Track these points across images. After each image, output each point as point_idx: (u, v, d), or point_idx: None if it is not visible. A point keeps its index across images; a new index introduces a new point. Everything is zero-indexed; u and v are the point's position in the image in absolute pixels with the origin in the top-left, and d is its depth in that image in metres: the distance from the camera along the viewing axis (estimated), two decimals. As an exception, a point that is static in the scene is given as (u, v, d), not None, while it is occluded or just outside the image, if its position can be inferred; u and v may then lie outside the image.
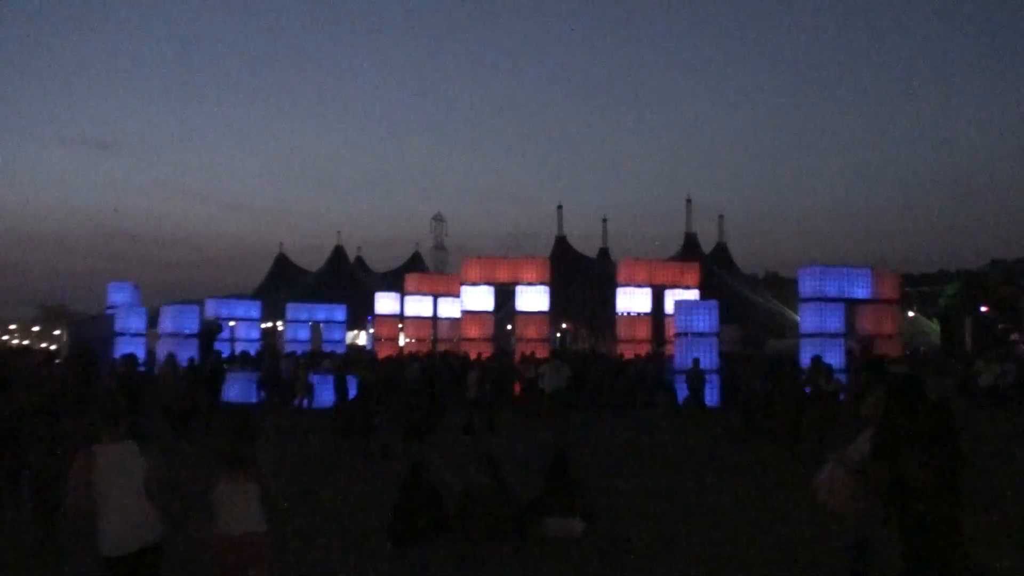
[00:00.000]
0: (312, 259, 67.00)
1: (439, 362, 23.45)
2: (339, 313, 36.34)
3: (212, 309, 32.53)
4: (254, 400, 22.60)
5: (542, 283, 26.34)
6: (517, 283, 26.54)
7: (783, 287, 55.01)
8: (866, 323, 22.85)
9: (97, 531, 4.91)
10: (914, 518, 5.44)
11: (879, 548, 6.42)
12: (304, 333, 35.99)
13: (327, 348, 32.70)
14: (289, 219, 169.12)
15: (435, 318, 31.97)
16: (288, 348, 33.40)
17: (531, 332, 25.92)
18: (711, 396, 21.16)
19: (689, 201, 54.24)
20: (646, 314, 26.73)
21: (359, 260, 65.16)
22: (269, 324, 43.06)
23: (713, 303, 23.41)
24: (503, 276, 26.80)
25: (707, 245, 54.44)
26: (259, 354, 29.24)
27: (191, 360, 20.51)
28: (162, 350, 24.01)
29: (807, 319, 22.15)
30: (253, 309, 35.17)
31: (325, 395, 20.85)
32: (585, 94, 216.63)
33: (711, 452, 14.16)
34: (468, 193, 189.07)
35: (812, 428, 13.34)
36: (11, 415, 8.68)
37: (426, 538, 7.97)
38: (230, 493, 5.14)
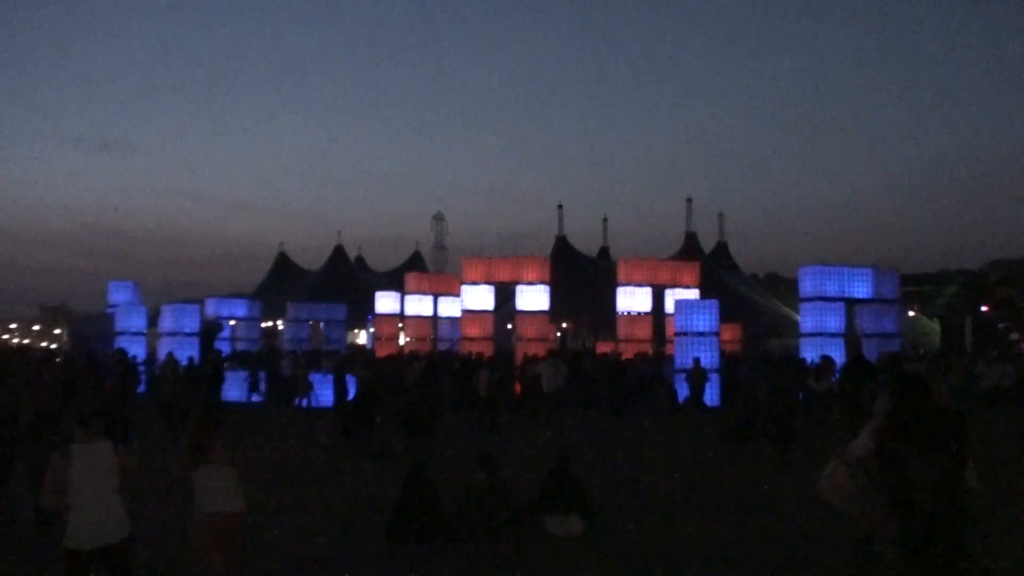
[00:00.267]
0: (312, 258, 67.18)
1: (440, 362, 23.46)
2: (339, 312, 36.36)
3: (212, 308, 32.55)
4: (243, 399, 22.39)
5: (542, 282, 26.33)
6: (517, 282, 26.53)
7: (783, 286, 55.04)
8: (865, 322, 22.84)
9: (66, 525, 5.14)
10: (918, 519, 5.44)
11: (884, 547, 6.40)
12: (304, 332, 36.02)
13: (329, 347, 32.74)
14: (289, 218, 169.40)
15: (435, 317, 31.96)
16: (288, 347, 33.43)
17: (531, 332, 25.92)
18: (711, 395, 21.16)
19: (689, 200, 54.28)
20: (646, 313, 26.73)
21: (359, 259, 65.20)
22: (269, 323, 43.08)
23: (713, 302, 23.41)
24: (503, 275, 26.79)
25: (707, 244, 54.43)
26: (248, 353, 29.16)
27: (191, 359, 20.53)
28: (162, 349, 24.05)
29: (807, 318, 22.14)
30: (253, 308, 35.21)
31: (325, 394, 20.87)
32: (585, 94, 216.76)
33: (711, 451, 14.16)
34: (468, 192, 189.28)
35: (802, 428, 13.33)
36: (8, 413, 8.72)
37: (426, 537, 7.97)
38: (205, 477, 5.56)
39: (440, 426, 15.73)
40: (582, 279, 45.06)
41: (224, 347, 29.20)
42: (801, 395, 14.82)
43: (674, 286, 26.89)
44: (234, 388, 22.61)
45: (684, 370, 21.32)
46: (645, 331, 26.68)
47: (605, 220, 59.40)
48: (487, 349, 25.45)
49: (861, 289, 22.19)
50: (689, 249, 50.25)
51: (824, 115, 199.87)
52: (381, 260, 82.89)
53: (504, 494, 8.25)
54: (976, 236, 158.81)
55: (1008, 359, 26.10)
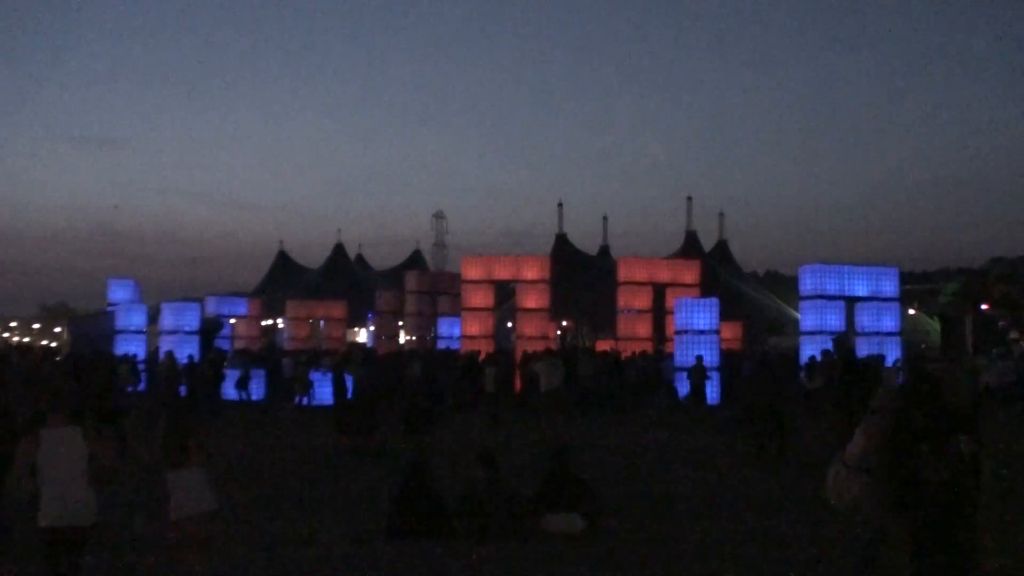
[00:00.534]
0: (312, 257, 67.06)
1: (440, 360, 23.47)
2: (339, 311, 36.38)
3: (212, 307, 32.56)
4: (234, 399, 22.34)
5: (542, 281, 26.33)
6: (517, 281, 26.54)
7: (783, 285, 54.98)
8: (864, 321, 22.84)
9: (39, 506, 5.41)
10: (929, 520, 5.46)
11: (888, 547, 6.41)
12: (304, 331, 36.04)
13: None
14: (289, 217, 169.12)
15: (435, 315, 31.97)
16: (288, 346, 33.46)
17: (531, 330, 25.92)
18: (712, 394, 21.17)
19: (690, 199, 54.30)
20: (647, 312, 26.74)
21: (359, 258, 65.20)
22: (269, 322, 43.08)
23: (713, 301, 23.43)
24: (503, 274, 26.79)
25: (707, 243, 54.41)
26: (248, 352, 29.14)
27: (191, 357, 20.55)
28: (163, 347, 24.08)
29: (807, 317, 22.15)
30: (253, 307, 35.22)
31: (325, 393, 20.88)
32: (586, 93, 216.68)
33: (711, 449, 14.16)
34: (468, 191, 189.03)
35: (790, 426, 13.31)
36: (7, 410, 8.75)
37: (425, 535, 7.97)
38: (179, 479, 5.80)
39: (441, 424, 15.77)
40: (582, 277, 45.04)
41: (224, 345, 29.23)
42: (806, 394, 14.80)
43: (674, 284, 26.89)
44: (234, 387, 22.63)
45: (684, 368, 21.32)
46: (645, 329, 26.68)
47: (605, 218, 59.43)
48: (487, 348, 25.47)
49: (861, 287, 22.19)
50: (689, 247, 50.24)
51: (824, 115, 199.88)
52: (381, 258, 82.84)
53: (504, 492, 8.25)
54: (977, 234, 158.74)
55: (1008, 357, 26.10)
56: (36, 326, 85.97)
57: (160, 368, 20.29)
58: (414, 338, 31.19)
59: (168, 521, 5.80)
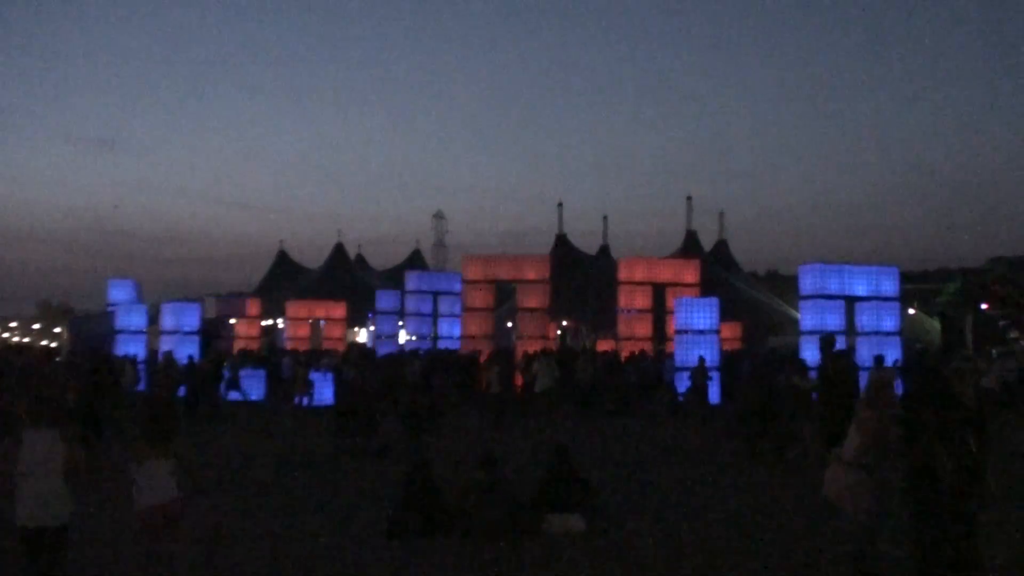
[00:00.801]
0: (312, 257, 67.14)
1: (439, 360, 23.45)
2: (339, 311, 36.36)
3: (213, 306, 32.55)
4: (236, 399, 22.32)
5: (542, 281, 26.33)
6: (517, 281, 26.52)
7: (783, 284, 54.97)
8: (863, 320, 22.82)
9: (16, 506, 5.58)
10: (935, 511, 5.48)
11: (884, 542, 6.41)
12: (304, 331, 36.01)
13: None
14: (289, 217, 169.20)
15: (435, 315, 31.95)
16: (288, 346, 33.44)
17: (531, 330, 25.92)
18: (712, 393, 21.15)
19: (689, 198, 54.23)
20: (647, 312, 26.73)
21: (359, 258, 65.16)
22: (269, 322, 43.05)
23: (713, 300, 23.43)
24: (504, 274, 26.80)
25: (707, 242, 54.36)
26: (249, 352, 29.14)
27: (191, 357, 20.54)
28: (162, 347, 24.07)
29: (807, 316, 22.13)
30: (253, 307, 35.19)
31: (325, 393, 20.89)
32: (585, 92, 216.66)
33: (711, 448, 14.16)
34: (468, 190, 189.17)
35: (777, 425, 13.32)
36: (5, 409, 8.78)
37: (426, 535, 7.97)
38: (150, 469, 5.94)
39: (442, 424, 15.76)
40: (582, 277, 45.04)
41: (223, 346, 29.24)
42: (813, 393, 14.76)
43: (674, 284, 26.89)
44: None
45: (685, 368, 21.32)
46: (645, 329, 26.68)
47: (605, 218, 59.33)
48: (489, 348, 25.46)
49: (861, 287, 22.17)
50: (689, 247, 50.20)
51: (824, 115, 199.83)
52: (381, 258, 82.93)
53: (504, 492, 8.25)
54: (977, 234, 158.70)
55: (1009, 356, 26.10)
56: (36, 326, 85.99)
57: (158, 368, 20.27)
58: (414, 338, 31.17)
59: (135, 512, 5.99)
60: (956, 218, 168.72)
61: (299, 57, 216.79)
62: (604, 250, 56.01)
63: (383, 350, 29.36)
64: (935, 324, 46.22)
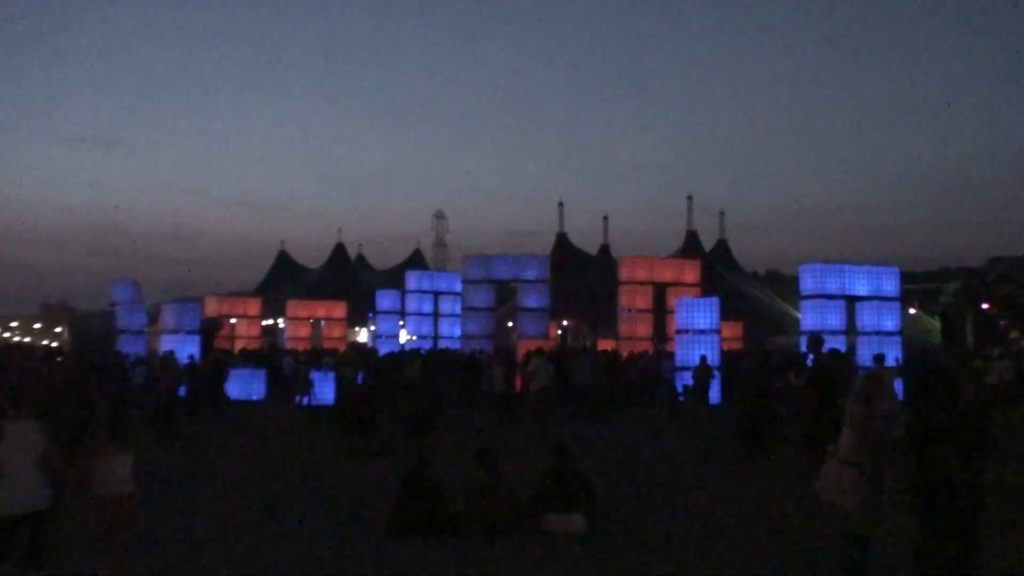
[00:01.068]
0: (313, 256, 67.33)
1: (439, 359, 23.45)
2: (340, 310, 36.38)
3: (213, 306, 32.57)
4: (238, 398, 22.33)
5: (542, 281, 26.34)
6: (517, 281, 26.54)
7: (784, 284, 55.06)
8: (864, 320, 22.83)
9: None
10: (939, 512, 5.49)
11: (879, 542, 6.41)
12: (305, 330, 36.03)
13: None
14: (290, 217, 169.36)
15: (436, 315, 31.99)
16: (288, 346, 33.46)
17: (532, 329, 25.94)
18: (713, 393, 21.14)
19: (690, 198, 54.39)
20: (647, 311, 26.74)
21: (360, 257, 65.26)
22: (270, 321, 43.09)
23: (714, 300, 23.42)
24: (504, 273, 26.82)
25: (708, 242, 54.45)
26: (250, 351, 29.14)
27: (191, 357, 20.53)
28: (163, 347, 24.08)
29: (808, 316, 22.12)
30: (253, 307, 35.22)
31: (325, 393, 20.88)
32: (586, 92, 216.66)
33: (711, 448, 14.15)
34: (469, 190, 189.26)
35: (771, 425, 13.32)
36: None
37: (426, 535, 7.96)
38: (109, 462, 6.23)
39: (442, 423, 15.75)
40: (583, 277, 45.13)
41: (223, 345, 29.24)
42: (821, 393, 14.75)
43: (675, 284, 26.90)
44: (236, 386, 22.62)
45: (685, 368, 21.31)
46: (646, 329, 26.68)
47: (606, 218, 59.52)
48: (491, 348, 25.49)
49: (861, 286, 22.16)
50: (690, 247, 50.26)
51: (825, 115, 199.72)
52: (382, 258, 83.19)
53: (504, 491, 8.25)
54: (977, 234, 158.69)
55: (1009, 356, 26.11)
56: (37, 326, 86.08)
57: (154, 367, 20.27)
58: (415, 338, 31.21)
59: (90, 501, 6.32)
60: (956, 218, 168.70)
61: (300, 57, 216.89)
62: (604, 250, 56.09)
63: (384, 350, 29.38)
64: (935, 324, 46.24)
